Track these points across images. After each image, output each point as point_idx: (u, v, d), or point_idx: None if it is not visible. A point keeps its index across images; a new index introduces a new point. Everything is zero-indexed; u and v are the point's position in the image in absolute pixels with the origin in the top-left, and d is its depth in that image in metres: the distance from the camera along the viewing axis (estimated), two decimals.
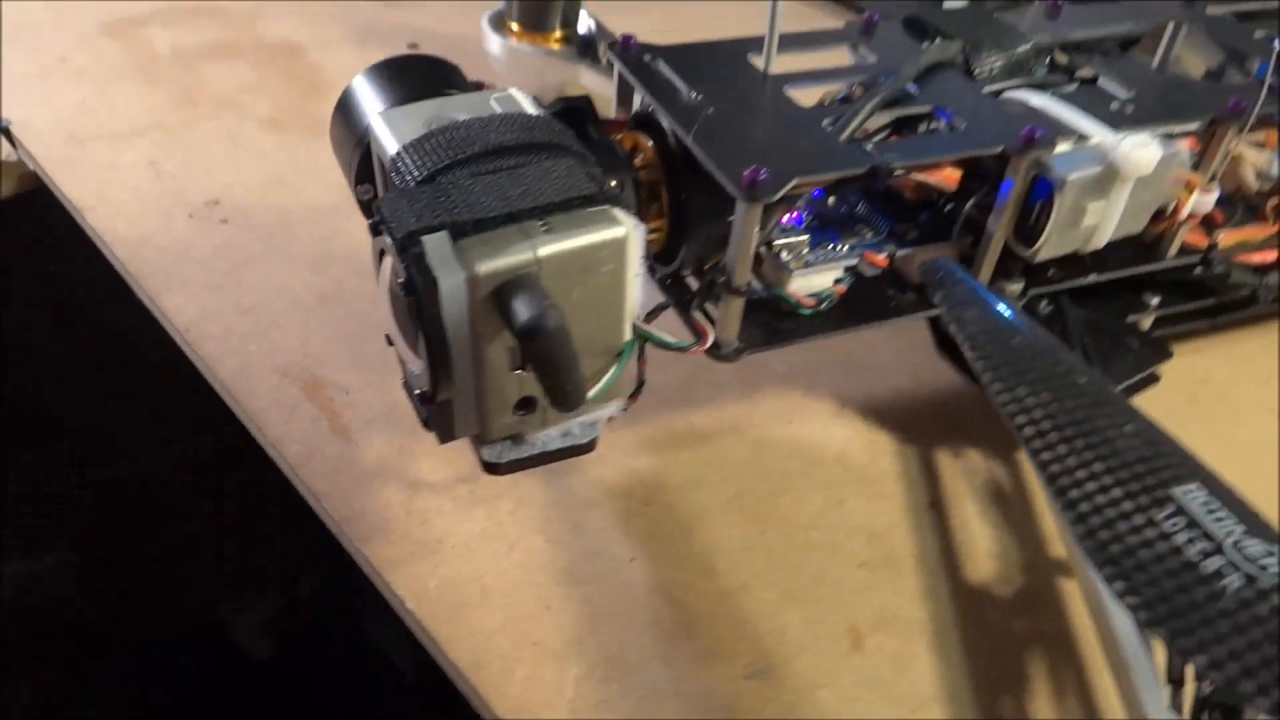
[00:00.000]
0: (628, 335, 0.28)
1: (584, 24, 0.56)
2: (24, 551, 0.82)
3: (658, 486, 0.36)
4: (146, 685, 0.76)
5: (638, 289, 0.27)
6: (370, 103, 0.32)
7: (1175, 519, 0.23)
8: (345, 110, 0.33)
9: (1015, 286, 0.36)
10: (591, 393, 0.27)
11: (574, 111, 0.33)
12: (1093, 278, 0.37)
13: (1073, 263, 0.37)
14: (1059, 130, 0.33)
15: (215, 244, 0.45)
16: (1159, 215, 0.36)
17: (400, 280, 0.24)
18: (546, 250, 0.25)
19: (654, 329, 0.29)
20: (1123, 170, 0.32)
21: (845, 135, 0.32)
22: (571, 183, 0.26)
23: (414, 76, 0.33)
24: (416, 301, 0.24)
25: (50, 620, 0.79)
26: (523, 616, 0.32)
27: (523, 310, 0.24)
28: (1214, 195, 0.36)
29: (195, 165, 0.50)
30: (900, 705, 0.31)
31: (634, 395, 0.33)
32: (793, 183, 0.29)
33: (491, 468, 0.29)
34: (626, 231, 0.26)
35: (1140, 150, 0.32)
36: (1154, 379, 0.39)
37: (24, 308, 0.65)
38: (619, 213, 0.26)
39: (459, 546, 0.33)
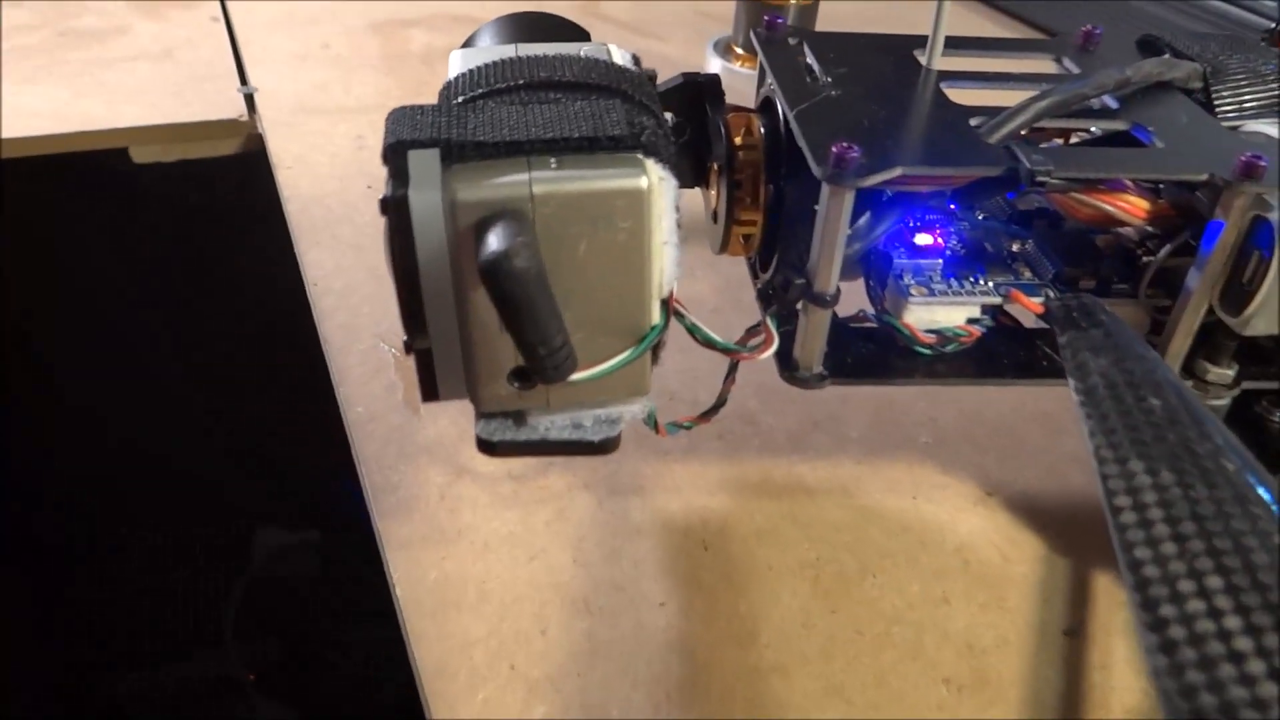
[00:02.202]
0: (655, 317, 0.23)
1: None
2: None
3: (724, 531, 0.31)
4: None
5: (668, 260, 0.23)
6: (489, 42, 0.30)
7: None
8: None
9: (1224, 373, 0.27)
10: (590, 373, 0.23)
11: (695, 86, 0.30)
12: None
13: None
14: None
15: (376, 215, 0.45)
16: None
17: (382, 195, 0.22)
18: (544, 187, 0.21)
19: (704, 324, 0.25)
20: None
21: (998, 136, 0.26)
22: (604, 121, 0.22)
23: (538, 28, 0.30)
24: (389, 222, 0.21)
25: None
26: (511, 634, 0.27)
27: (489, 242, 0.20)
28: None
29: None
30: None
31: (707, 415, 0.29)
32: (896, 171, 0.23)
33: (485, 446, 0.25)
34: (650, 183, 0.21)
35: None
36: None
37: (212, 260, 0.70)
38: (650, 163, 0.22)
39: (476, 543, 0.30)
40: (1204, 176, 0.24)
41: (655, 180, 0.22)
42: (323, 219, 0.44)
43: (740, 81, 0.51)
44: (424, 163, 0.21)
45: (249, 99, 0.54)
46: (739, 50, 0.51)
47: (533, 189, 0.21)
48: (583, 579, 0.29)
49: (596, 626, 0.28)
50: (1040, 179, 0.24)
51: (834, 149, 0.23)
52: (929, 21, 0.28)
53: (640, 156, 0.22)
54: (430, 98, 0.24)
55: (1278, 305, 0.25)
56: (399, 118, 0.22)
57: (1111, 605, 0.29)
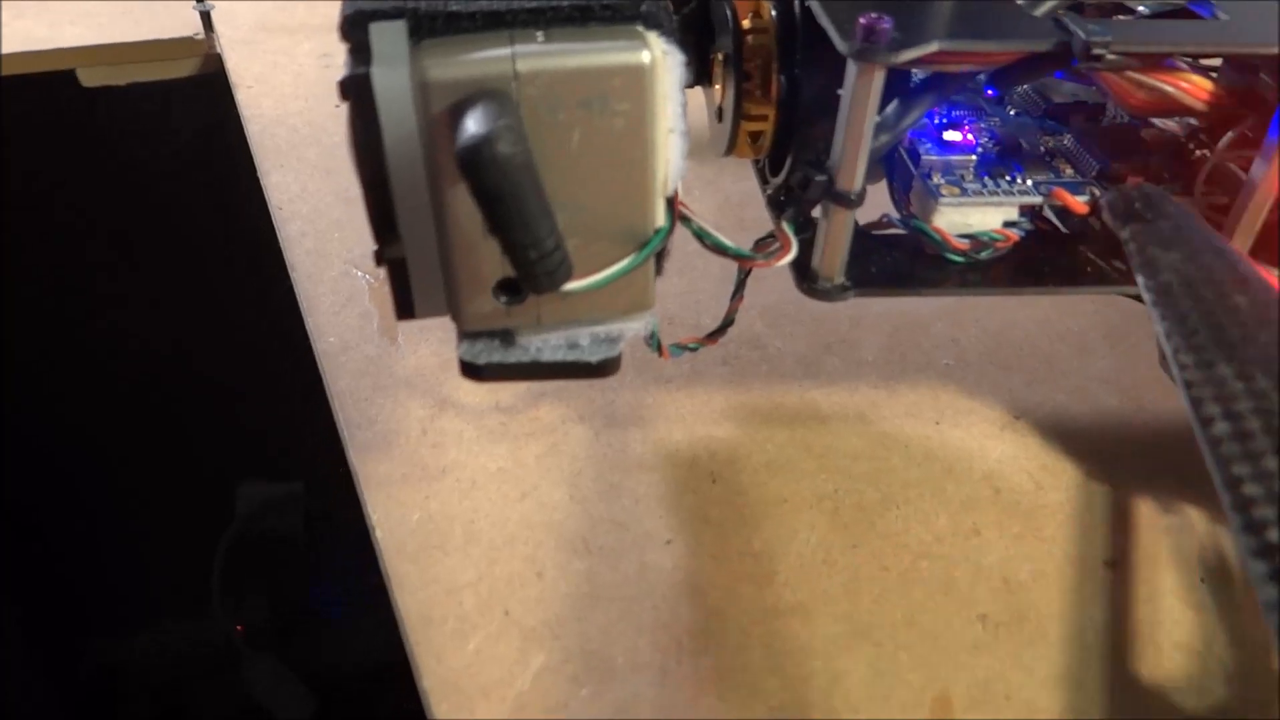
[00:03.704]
0: (660, 218, 0.21)
1: None
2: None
3: (733, 463, 0.28)
4: None
5: (674, 151, 0.20)
6: None
7: None
8: None
9: None
10: (586, 282, 0.20)
11: None
12: None
13: None
14: None
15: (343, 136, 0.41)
16: None
17: (341, 77, 0.19)
18: (530, 63, 0.18)
19: (712, 227, 0.22)
20: None
21: (1041, 10, 0.22)
22: None
23: None
24: (351, 108, 0.18)
25: None
26: (504, 577, 0.25)
27: (467, 127, 0.17)
28: None
29: None
30: None
31: (714, 335, 0.26)
32: (933, 46, 0.20)
33: (470, 369, 0.22)
34: (652, 58, 0.18)
35: None
36: None
37: (168, 181, 0.66)
38: (652, 35, 0.19)
39: (463, 480, 0.27)
40: (1275, 49, 0.22)
41: (658, 55, 0.19)
42: (287, 141, 0.41)
43: None
44: (389, 36, 0.18)
45: (205, 16, 0.50)
46: None
47: (516, 65, 0.18)
48: (580, 517, 0.27)
49: (597, 568, 0.25)
50: (1097, 52, 0.21)
51: (862, 20, 0.20)
52: None
53: (640, 28, 0.19)
54: None
55: None
56: None
57: (1155, 534, 0.27)
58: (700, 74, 0.27)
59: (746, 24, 0.25)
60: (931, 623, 0.25)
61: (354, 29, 0.18)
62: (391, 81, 0.18)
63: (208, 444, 0.82)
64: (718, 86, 0.26)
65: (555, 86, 0.18)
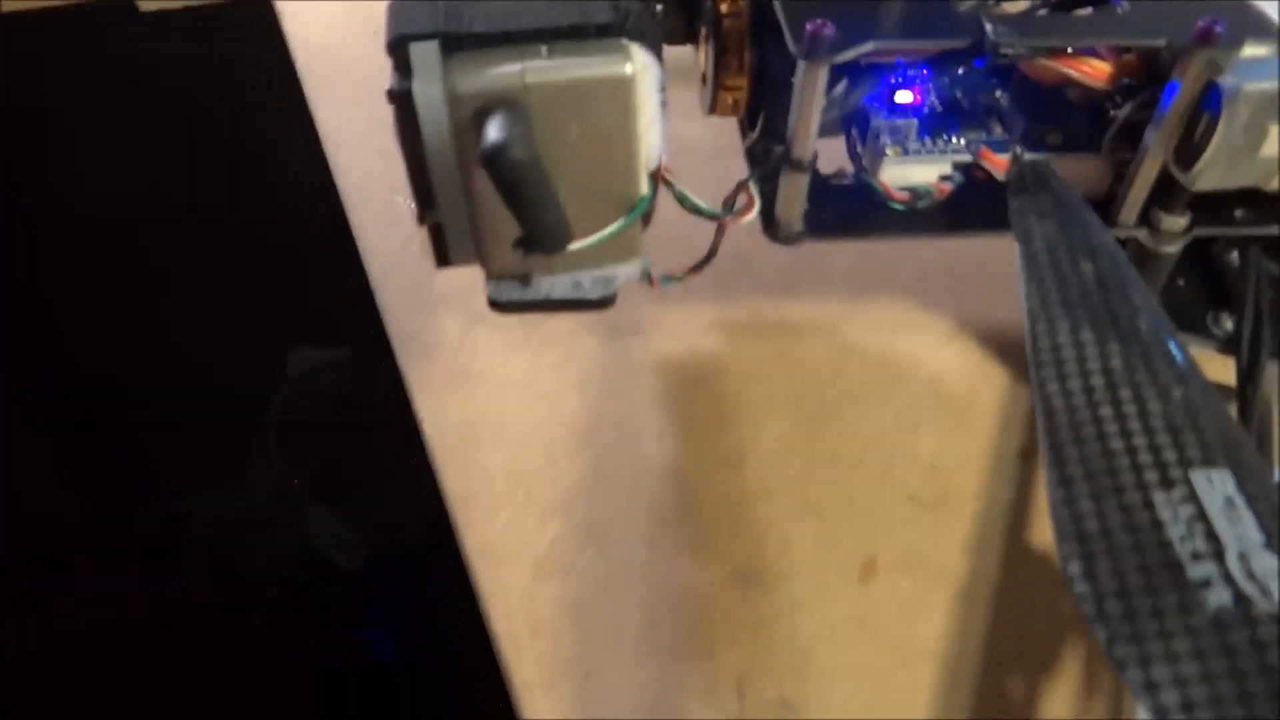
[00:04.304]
0: (644, 188, 0.26)
1: None
2: None
3: (716, 370, 0.34)
4: None
5: (655, 136, 0.25)
6: None
7: (1180, 507, 0.18)
8: None
9: (1177, 221, 0.29)
10: (584, 242, 0.26)
11: None
12: None
13: (1270, 206, 0.30)
14: (1262, 33, 0.26)
15: (383, 63, 0.46)
16: None
17: (386, 87, 0.24)
18: (537, 77, 0.23)
19: (690, 191, 0.27)
20: None
21: (965, 6, 0.27)
22: (591, 9, 0.24)
23: None
24: (396, 111, 0.24)
25: None
26: (527, 465, 0.31)
27: (489, 133, 0.22)
28: None
29: None
30: (887, 653, 0.27)
31: (698, 267, 0.31)
32: (867, 46, 0.25)
33: (495, 304, 0.28)
34: (633, 70, 0.23)
35: None
36: None
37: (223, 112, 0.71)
38: (635, 48, 0.24)
39: (494, 385, 0.33)
40: (1162, 42, 0.26)
41: (639, 67, 0.23)
42: (327, 70, 0.45)
43: None
44: (425, 55, 0.23)
45: None
46: None
47: (526, 79, 0.23)
48: (588, 415, 0.33)
49: (600, 457, 0.31)
50: (1003, 49, 0.25)
51: (809, 26, 0.25)
52: None
53: (625, 42, 0.24)
54: None
55: (1222, 163, 0.27)
56: (399, 11, 0.24)
57: None
58: (690, 36, 0.32)
59: (724, 9, 0.29)
60: (868, 502, 0.31)
61: (398, 49, 0.23)
62: (428, 92, 0.23)
63: (262, 313, 0.89)
64: (702, 56, 0.31)
65: (557, 94, 0.23)
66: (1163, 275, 0.31)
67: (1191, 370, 0.21)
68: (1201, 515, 0.18)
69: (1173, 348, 0.21)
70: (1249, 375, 0.29)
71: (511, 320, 0.35)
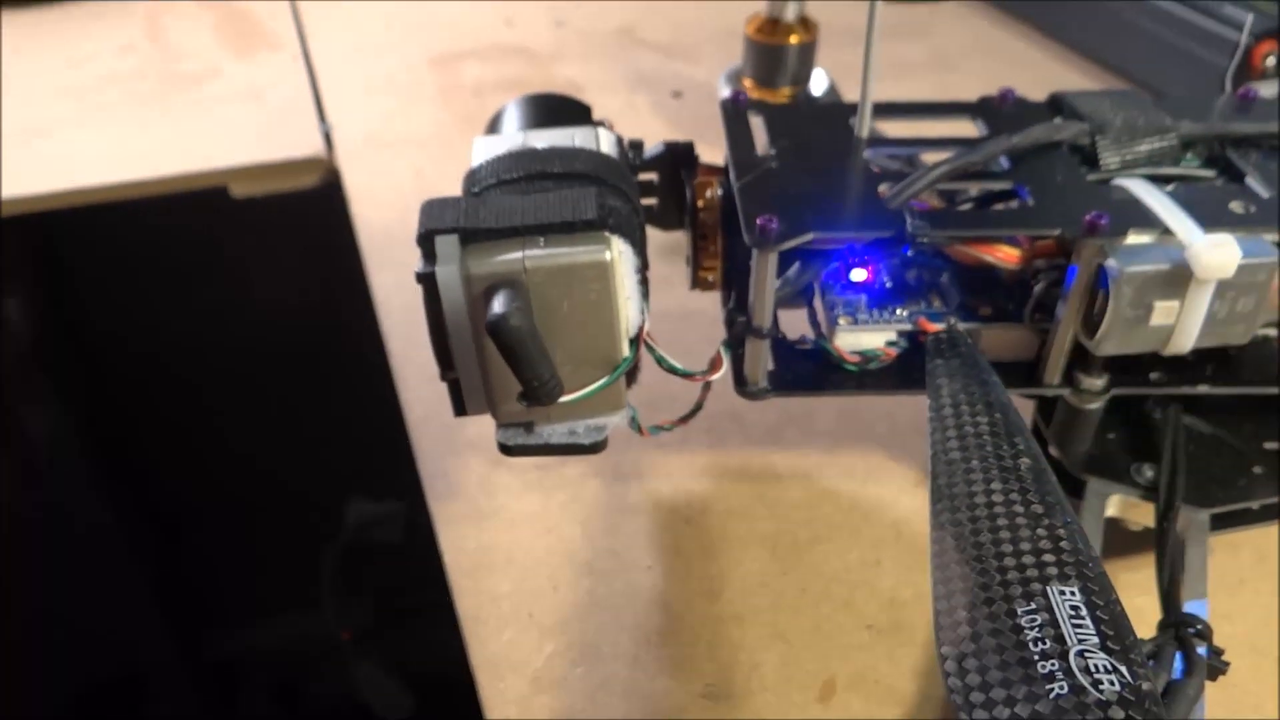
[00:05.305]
0: (624, 351, 0.31)
1: (820, 84, 0.59)
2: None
3: (703, 509, 0.39)
4: None
5: (633, 310, 0.31)
6: (509, 126, 0.38)
7: (1036, 614, 0.22)
8: (491, 130, 0.39)
9: (1096, 381, 0.34)
10: (572, 397, 0.31)
11: (675, 153, 0.37)
12: (1203, 389, 0.34)
13: (1184, 368, 0.34)
14: (1145, 223, 0.31)
15: None
16: None
17: (416, 270, 0.30)
18: (535, 262, 0.29)
19: (667, 353, 0.32)
20: (1195, 270, 0.30)
21: (897, 201, 0.32)
22: (580, 207, 0.30)
23: (546, 110, 0.38)
24: (424, 289, 0.29)
25: None
26: (531, 590, 0.36)
27: (494, 306, 0.28)
28: None
29: (450, 174, 0.58)
30: None
31: (685, 419, 0.36)
32: (806, 237, 0.30)
33: (503, 448, 0.33)
34: (611, 257, 0.29)
35: (1216, 251, 0.29)
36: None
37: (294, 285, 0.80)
38: (615, 239, 0.29)
39: (507, 520, 0.38)
40: (1056, 232, 0.31)
41: (617, 254, 0.29)
42: (386, 245, 0.52)
43: None
44: (448, 245, 0.29)
45: (326, 136, 0.62)
46: (746, 81, 0.58)
47: (526, 264, 0.29)
48: (588, 547, 0.37)
49: (596, 585, 0.36)
50: (920, 239, 0.31)
51: (759, 221, 0.30)
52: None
53: (606, 234, 0.29)
54: (476, 129, 0.33)
55: (1119, 333, 0.31)
56: (429, 209, 0.30)
57: None
58: (681, 224, 0.38)
59: (700, 204, 0.35)
60: (831, 629, 0.34)
61: (426, 241, 0.29)
62: (449, 274, 0.29)
63: (324, 467, 0.95)
64: (685, 241, 0.37)
65: (550, 276, 0.29)
66: (1090, 428, 0.35)
67: (1059, 503, 0.25)
68: (1053, 621, 0.22)
69: (1046, 484, 0.25)
70: (1165, 516, 0.33)
71: (527, 464, 0.40)
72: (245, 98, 0.67)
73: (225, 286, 0.82)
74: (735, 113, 0.37)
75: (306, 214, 0.66)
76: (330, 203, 0.59)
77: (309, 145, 0.62)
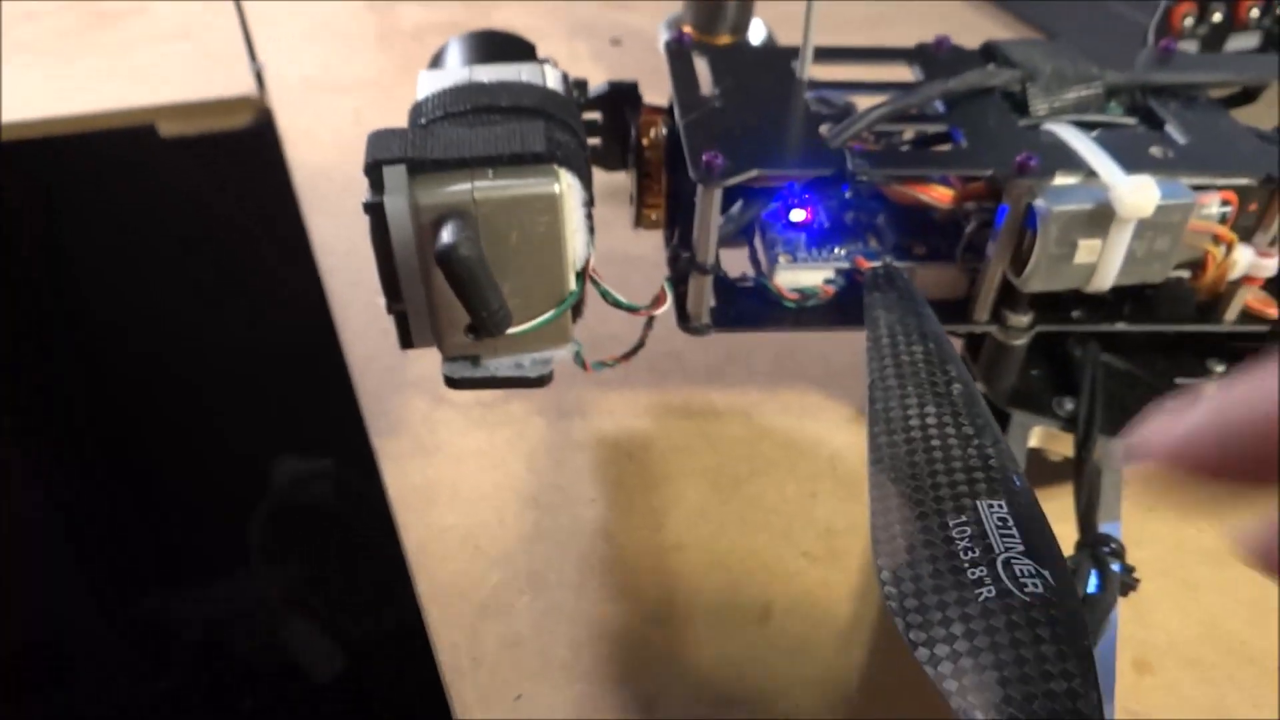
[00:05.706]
0: (571, 285, 0.32)
1: (758, 33, 0.59)
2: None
3: (646, 445, 0.39)
4: None
5: (580, 244, 0.31)
6: (453, 60, 0.37)
7: (966, 526, 0.24)
8: (435, 65, 0.38)
9: (1021, 318, 0.35)
10: (521, 328, 0.31)
11: (619, 92, 0.37)
12: (1121, 326, 0.36)
13: (1103, 306, 0.36)
14: (1072, 165, 0.33)
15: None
16: (1200, 271, 0.34)
17: (363, 200, 0.30)
18: (483, 193, 0.29)
19: (612, 288, 0.33)
20: (1117, 210, 0.31)
21: (838, 141, 0.33)
22: (528, 140, 0.30)
23: (491, 46, 0.38)
24: (371, 220, 0.29)
25: None
26: (476, 523, 0.36)
27: (443, 237, 0.28)
28: (1275, 260, 0.34)
29: (390, 117, 0.58)
30: (777, 681, 0.32)
31: (627, 355, 0.37)
32: (751, 173, 0.31)
33: (449, 381, 0.33)
34: (560, 189, 0.29)
35: (1137, 192, 0.31)
36: None
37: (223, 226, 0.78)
38: (563, 172, 0.30)
39: (451, 456, 0.38)
40: (989, 173, 0.32)
41: (565, 186, 0.30)
42: (325, 189, 0.52)
43: None
44: (395, 176, 0.29)
45: (258, 76, 0.61)
46: (685, 28, 0.58)
47: (474, 195, 0.29)
48: (533, 482, 0.38)
49: (542, 517, 0.36)
50: (860, 177, 0.32)
51: (705, 156, 0.31)
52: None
53: (555, 167, 0.30)
54: (415, 72, 0.33)
55: (1045, 270, 0.33)
56: (376, 140, 0.30)
57: None
58: (624, 164, 0.39)
59: (645, 142, 0.36)
60: (768, 558, 0.36)
61: (373, 171, 0.29)
62: (397, 205, 0.29)
63: (246, 424, 0.94)
64: (630, 180, 0.37)
65: (499, 207, 0.29)
66: (1015, 364, 0.37)
67: (988, 425, 0.26)
68: (982, 533, 0.23)
69: (976, 408, 0.27)
70: (1083, 446, 0.34)
71: (470, 402, 0.41)
72: (173, 37, 0.65)
73: (154, 226, 0.80)
74: (680, 53, 0.38)
75: (239, 154, 0.65)
76: (264, 144, 0.58)
77: (239, 85, 0.60)
